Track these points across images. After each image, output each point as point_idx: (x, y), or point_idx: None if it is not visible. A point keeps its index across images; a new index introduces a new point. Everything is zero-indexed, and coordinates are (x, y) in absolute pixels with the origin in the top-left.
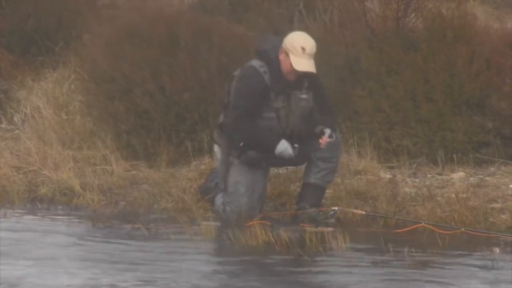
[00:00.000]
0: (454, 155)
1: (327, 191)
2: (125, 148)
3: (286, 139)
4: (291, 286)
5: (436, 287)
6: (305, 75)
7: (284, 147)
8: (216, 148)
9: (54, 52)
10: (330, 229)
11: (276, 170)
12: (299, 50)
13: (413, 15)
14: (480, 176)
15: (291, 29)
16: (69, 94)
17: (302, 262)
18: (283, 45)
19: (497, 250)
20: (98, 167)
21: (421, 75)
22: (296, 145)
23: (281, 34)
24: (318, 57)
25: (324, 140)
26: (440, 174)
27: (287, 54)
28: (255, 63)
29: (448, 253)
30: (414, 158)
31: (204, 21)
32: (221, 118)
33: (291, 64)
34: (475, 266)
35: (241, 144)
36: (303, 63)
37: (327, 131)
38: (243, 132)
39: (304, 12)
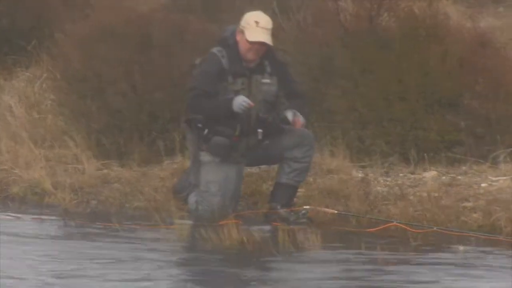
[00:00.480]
0: (426, 154)
1: (299, 190)
2: (97, 147)
3: (250, 124)
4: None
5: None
6: (267, 58)
7: (239, 100)
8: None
9: (26, 51)
10: (301, 227)
11: (248, 169)
12: (253, 24)
13: (386, 14)
14: (452, 175)
15: None
16: (41, 93)
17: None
18: (239, 26)
19: (460, 248)
20: (69, 166)
21: (394, 74)
22: (260, 130)
23: None
24: (292, 56)
25: (296, 122)
26: (412, 173)
27: (242, 32)
28: (215, 49)
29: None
30: (387, 157)
31: (177, 20)
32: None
33: (247, 40)
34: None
35: (205, 131)
36: (257, 35)
37: (289, 113)
38: (201, 107)
39: (278, 11)
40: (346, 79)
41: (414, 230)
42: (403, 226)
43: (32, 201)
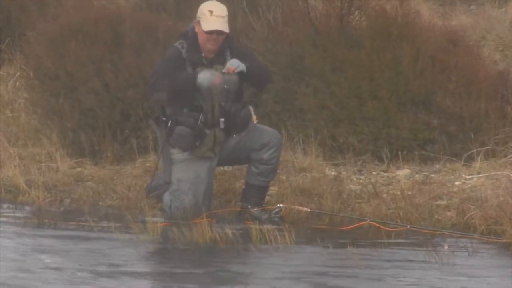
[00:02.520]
0: (399, 152)
1: (272, 188)
2: (70, 145)
3: (213, 113)
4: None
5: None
6: (228, 47)
7: (205, 74)
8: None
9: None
10: (274, 226)
11: (221, 168)
12: (207, 14)
13: (356, 12)
14: (425, 173)
15: (234, 27)
16: (14, 92)
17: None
18: (196, 18)
19: (445, 246)
20: (43, 164)
21: (366, 72)
22: (221, 119)
23: None
24: (262, 55)
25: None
26: (385, 171)
27: (199, 23)
28: (176, 43)
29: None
30: (359, 155)
31: (149, 18)
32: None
33: (203, 31)
34: (417, 262)
35: (169, 123)
36: (212, 24)
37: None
38: (162, 85)
39: (248, 10)
40: (318, 78)
41: (387, 229)
42: (377, 224)
43: (5, 199)
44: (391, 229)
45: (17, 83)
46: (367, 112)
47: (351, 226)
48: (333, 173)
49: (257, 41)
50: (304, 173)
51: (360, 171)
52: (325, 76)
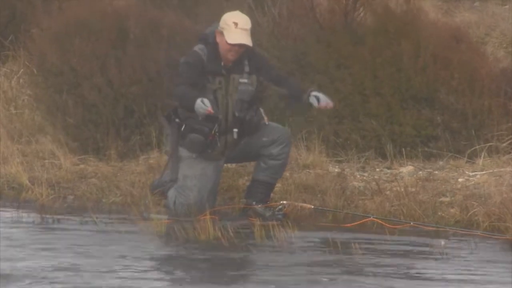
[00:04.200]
0: (403, 149)
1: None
2: (74, 142)
3: (227, 123)
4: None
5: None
6: (247, 57)
7: (199, 104)
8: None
9: (3, 46)
10: (277, 222)
11: (225, 165)
12: (232, 25)
13: (361, 9)
14: (428, 170)
15: None
16: (18, 88)
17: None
18: (218, 27)
19: (442, 242)
20: (46, 161)
21: (369, 69)
22: (235, 130)
23: None
24: (267, 51)
25: (324, 105)
26: (388, 168)
27: (222, 34)
28: (197, 47)
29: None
30: (363, 152)
31: (153, 14)
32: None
33: (226, 42)
34: (420, 259)
35: (183, 128)
36: (236, 36)
37: (313, 99)
38: (180, 94)
39: (253, 5)
40: (321, 74)
41: (391, 226)
42: (380, 221)
43: (9, 196)
44: (394, 226)
45: (21, 80)
46: (370, 108)
47: (355, 223)
48: (336, 170)
49: (262, 36)
50: (308, 170)
51: (363, 168)
52: (329, 72)
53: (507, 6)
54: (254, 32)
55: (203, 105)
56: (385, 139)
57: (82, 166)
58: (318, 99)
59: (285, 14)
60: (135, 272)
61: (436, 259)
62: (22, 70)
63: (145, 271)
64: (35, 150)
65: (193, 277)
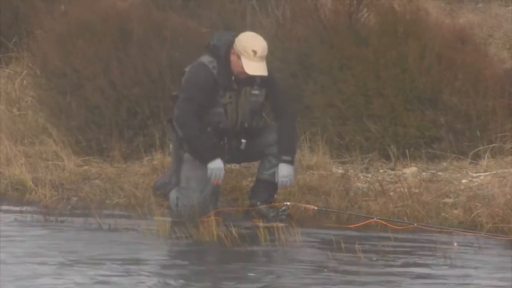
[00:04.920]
0: (407, 150)
1: None
2: (77, 143)
3: (235, 133)
4: None
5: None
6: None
7: (213, 168)
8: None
9: (7, 48)
10: (281, 224)
11: (228, 166)
12: (251, 53)
13: (365, 10)
14: (432, 171)
15: (244, 25)
16: (21, 90)
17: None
18: (234, 47)
19: (455, 243)
20: (50, 162)
21: (373, 70)
22: (243, 140)
23: (232, 29)
24: (270, 52)
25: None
26: (392, 169)
27: (238, 57)
28: (205, 58)
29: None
30: (366, 153)
31: (156, 16)
32: (174, 113)
33: (242, 67)
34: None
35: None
36: (254, 67)
37: (279, 172)
38: (189, 130)
39: (257, 7)
40: (325, 75)
41: (394, 227)
42: (384, 222)
43: (12, 197)
44: (398, 227)
45: (24, 81)
46: (374, 110)
47: (358, 224)
48: (340, 171)
49: (265, 38)
50: (311, 171)
51: (367, 169)
52: (332, 74)
53: (510, 7)
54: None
55: (214, 174)
56: (389, 140)
57: (85, 167)
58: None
59: (288, 15)
60: (136, 273)
61: (439, 260)
62: (25, 71)
63: (146, 271)
64: (39, 152)
65: (195, 278)
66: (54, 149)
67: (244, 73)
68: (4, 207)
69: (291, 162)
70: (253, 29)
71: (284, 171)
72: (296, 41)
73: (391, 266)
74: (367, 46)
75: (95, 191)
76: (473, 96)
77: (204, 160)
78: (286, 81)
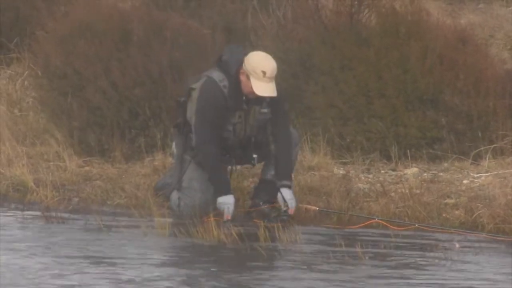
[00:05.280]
0: (408, 151)
1: None
2: (78, 144)
3: (246, 152)
4: None
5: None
6: None
7: (224, 203)
8: (173, 144)
9: (8, 49)
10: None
11: (230, 167)
12: (260, 74)
13: (366, 10)
14: (433, 172)
15: (245, 25)
16: (23, 91)
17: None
18: (244, 67)
19: (457, 245)
20: (51, 163)
21: (374, 71)
22: (255, 156)
23: (233, 29)
24: (271, 52)
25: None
26: (393, 170)
27: (248, 77)
28: (215, 75)
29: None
30: (368, 154)
31: (157, 16)
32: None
33: (251, 87)
34: (425, 260)
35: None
36: (264, 87)
37: (281, 198)
38: (208, 161)
39: (258, 7)
40: (326, 76)
41: (395, 227)
42: (385, 223)
43: (14, 198)
44: (399, 228)
45: (25, 82)
46: (375, 110)
47: (359, 225)
48: (341, 172)
49: (267, 38)
50: (313, 172)
51: (368, 169)
52: (333, 74)
53: (511, 8)
54: (258, 35)
55: (226, 209)
56: (390, 141)
57: (87, 168)
58: (285, 200)
59: (290, 16)
60: (137, 273)
61: (440, 261)
62: (26, 72)
63: (147, 272)
64: (40, 152)
65: (196, 278)
66: (55, 150)
67: (254, 93)
68: (5, 208)
69: (291, 186)
70: (254, 29)
71: (287, 195)
72: (297, 42)
73: (392, 267)
74: (368, 46)
75: (96, 192)
76: (474, 97)
77: (216, 191)
78: (287, 81)
